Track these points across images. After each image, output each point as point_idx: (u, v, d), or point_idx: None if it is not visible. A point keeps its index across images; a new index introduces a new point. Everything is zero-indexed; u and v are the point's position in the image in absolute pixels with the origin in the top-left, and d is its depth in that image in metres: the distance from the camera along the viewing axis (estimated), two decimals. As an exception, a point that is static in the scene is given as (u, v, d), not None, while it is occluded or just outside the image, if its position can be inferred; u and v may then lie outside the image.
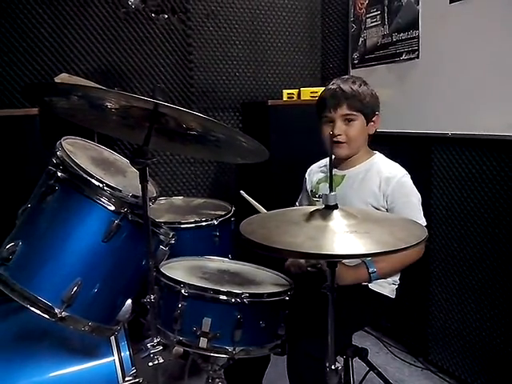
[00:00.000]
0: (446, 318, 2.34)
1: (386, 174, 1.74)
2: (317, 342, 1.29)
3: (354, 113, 1.75)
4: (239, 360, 1.47)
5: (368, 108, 1.76)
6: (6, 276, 1.31)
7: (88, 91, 1.24)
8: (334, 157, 1.82)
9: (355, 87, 1.75)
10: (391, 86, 2.56)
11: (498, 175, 2.01)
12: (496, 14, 1.95)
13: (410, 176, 1.75)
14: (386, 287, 1.76)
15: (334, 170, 1.83)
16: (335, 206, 1.16)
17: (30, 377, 1.36)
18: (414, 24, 2.37)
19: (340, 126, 1.75)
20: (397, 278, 1.80)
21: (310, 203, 1.93)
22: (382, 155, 1.85)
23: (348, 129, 1.75)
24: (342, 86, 1.76)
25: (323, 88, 1.88)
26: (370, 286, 1.71)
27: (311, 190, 1.93)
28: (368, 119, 1.77)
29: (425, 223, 1.66)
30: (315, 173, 1.97)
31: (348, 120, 1.75)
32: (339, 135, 1.75)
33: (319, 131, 1.83)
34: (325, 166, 1.93)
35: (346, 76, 1.86)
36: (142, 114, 1.23)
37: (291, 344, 1.54)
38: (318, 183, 1.92)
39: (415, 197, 1.72)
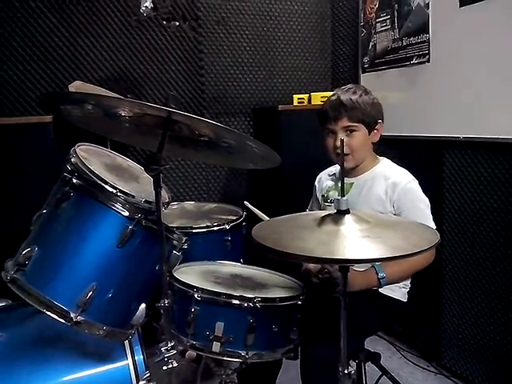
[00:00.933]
0: (459, 322, 2.32)
1: (391, 180, 1.73)
2: (329, 346, 1.29)
3: (355, 124, 1.74)
4: (251, 364, 1.48)
5: (369, 118, 1.76)
6: (23, 281, 1.33)
7: (102, 100, 1.26)
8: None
9: (355, 98, 1.74)
10: (402, 90, 2.56)
11: (511, 179, 2.00)
12: (506, 17, 1.95)
13: (417, 182, 1.74)
14: (397, 291, 1.75)
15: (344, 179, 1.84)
16: (347, 211, 1.16)
17: (45, 380, 1.37)
18: (424, 28, 2.37)
19: (340, 138, 1.70)
20: (408, 281, 1.79)
21: (321, 210, 1.93)
22: (388, 161, 1.85)
23: (350, 140, 1.74)
24: (341, 97, 1.75)
25: (333, 93, 1.87)
26: (381, 290, 1.71)
27: (322, 195, 1.94)
28: (370, 129, 1.77)
29: (434, 227, 1.65)
30: (325, 180, 1.98)
31: (350, 131, 1.75)
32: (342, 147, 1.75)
33: (324, 141, 1.84)
34: (334, 173, 1.95)
35: (348, 86, 1.84)
36: (155, 122, 1.24)
37: (304, 348, 1.55)
38: (328, 191, 1.92)
39: (422, 202, 1.71)
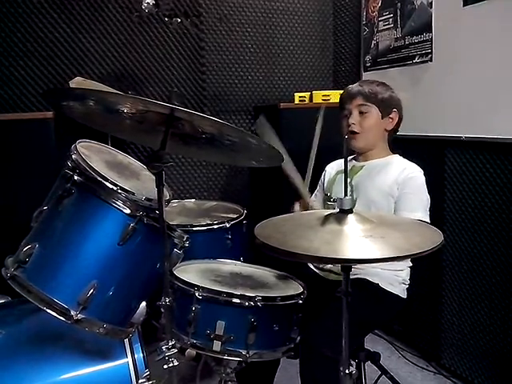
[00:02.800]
0: (459, 321, 2.32)
1: (403, 166, 1.80)
2: (329, 340, 1.29)
3: (368, 104, 1.81)
4: (250, 363, 1.47)
5: (383, 101, 1.83)
6: (23, 278, 1.32)
7: (105, 96, 1.25)
8: (351, 150, 1.90)
9: (372, 86, 1.84)
10: (404, 89, 2.54)
11: (513, 179, 2.00)
12: (509, 16, 1.94)
13: (425, 178, 1.78)
14: (397, 286, 1.76)
15: (354, 162, 1.92)
16: (350, 211, 1.16)
17: (44, 378, 1.37)
18: (427, 27, 2.36)
19: (355, 117, 1.83)
20: (407, 277, 1.80)
21: (324, 190, 2.00)
22: (401, 157, 1.89)
23: (362, 120, 1.82)
24: (361, 84, 1.87)
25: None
26: (381, 284, 1.73)
27: (325, 194, 1.94)
28: (384, 113, 1.83)
29: (424, 219, 1.68)
30: (335, 165, 2.03)
31: (363, 112, 1.82)
32: (353, 124, 1.82)
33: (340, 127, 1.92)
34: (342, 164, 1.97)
35: (371, 79, 1.94)
36: (157, 119, 1.23)
37: (304, 343, 1.54)
38: (337, 174, 1.97)
39: (424, 194, 1.75)
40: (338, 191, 1.89)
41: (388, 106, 1.83)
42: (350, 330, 1.17)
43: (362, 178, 1.83)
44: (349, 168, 1.88)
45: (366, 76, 2.85)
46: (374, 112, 1.82)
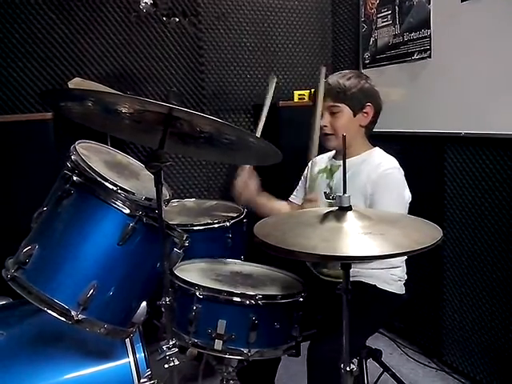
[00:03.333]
0: (460, 318, 2.32)
1: (378, 162, 1.75)
2: (334, 345, 1.28)
3: (338, 104, 1.79)
4: (251, 361, 1.47)
5: (353, 99, 1.78)
6: (23, 279, 1.32)
7: (103, 96, 1.25)
8: (324, 148, 1.89)
9: (342, 80, 1.79)
10: (403, 86, 2.55)
11: (513, 174, 1.99)
12: (508, 12, 1.94)
13: (403, 172, 1.75)
14: (393, 284, 1.76)
15: (333, 161, 1.90)
16: (349, 208, 1.16)
17: (46, 379, 1.37)
18: (425, 23, 2.35)
19: (326, 118, 1.81)
20: (403, 274, 1.80)
21: (305, 188, 1.99)
22: (381, 150, 1.85)
23: (333, 120, 1.80)
24: (329, 80, 1.82)
25: None
26: (378, 285, 1.72)
27: (324, 192, 1.93)
28: (355, 110, 1.79)
29: None
30: (318, 162, 1.98)
31: (333, 112, 1.80)
32: (325, 127, 1.81)
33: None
34: (328, 157, 1.97)
35: (345, 71, 1.88)
36: (156, 118, 1.23)
37: (310, 347, 1.55)
38: (318, 173, 1.95)
39: (396, 191, 1.70)
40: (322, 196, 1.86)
41: (360, 101, 1.79)
42: (352, 333, 1.17)
43: (339, 180, 1.77)
44: (328, 167, 1.91)
45: (364, 73, 2.83)
46: (345, 111, 1.79)
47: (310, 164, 2.00)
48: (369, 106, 1.80)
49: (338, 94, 1.78)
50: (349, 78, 1.79)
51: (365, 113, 1.80)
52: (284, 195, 2.33)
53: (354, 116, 1.80)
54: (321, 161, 1.98)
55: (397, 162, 1.76)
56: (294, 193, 2.08)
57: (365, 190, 1.71)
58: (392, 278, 1.75)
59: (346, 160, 1.77)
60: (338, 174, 1.81)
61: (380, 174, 1.71)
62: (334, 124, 1.80)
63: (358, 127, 1.82)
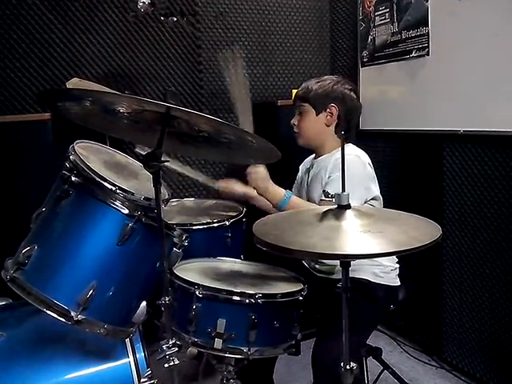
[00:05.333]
0: (460, 316, 2.32)
1: (337, 155, 1.77)
2: (336, 345, 1.28)
3: (303, 104, 1.90)
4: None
5: (316, 100, 1.87)
6: (23, 280, 1.32)
7: (101, 96, 1.25)
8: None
9: (313, 82, 1.90)
10: (401, 84, 2.55)
11: (511, 172, 1.99)
12: (506, 9, 1.94)
13: (367, 161, 1.79)
14: (385, 276, 1.77)
15: (313, 160, 1.99)
16: (348, 206, 1.16)
17: (46, 379, 1.37)
18: (423, 21, 2.35)
19: (295, 118, 1.94)
20: (393, 262, 1.81)
21: (298, 190, 2.06)
22: (353, 146, 1.87)
23: (299, 120, 1.93)
24: (303, 84, 1.95)
25: None
26: (371, 279, 1.74)
27: (323, 190, 1.94)
28: (317, 110, 1.88)
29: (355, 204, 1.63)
30: (304, 163, 2.11)
31: (300, 112, 1.92)
32: (294, 125, 1.94)
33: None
34: (312, 157, 2.04)
35: (325, 77, 1.98)
36: (154, 118, 1.23)
37: (314, 349, 1.55)
38: (305, 172, 2.04)
39: (356, 176, 1.67)
40: (307, 192, 1.95)
41: (322, 102, 1.87)
42: (352, 332, 1.17)
43: (313, 178, 1.90)
44: (307, 166, 2.02)
45: (363, 71, 2.85)
46: (308, 111, 1.89)
47: (300, 167, 2.13)
48: (333, 106, 1.87)
49: (304, 95, 1.90)
50: (318, 82, 1.90)
51: (329, 113, 1.88)
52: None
53: (317, 115, 1.88)
54: (307, 161, 2.08)
55: (364, 155, 1.81)
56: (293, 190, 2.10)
57: (323, 182, 1.79)
58: (382, 270, 1.77)
59: (318, 159, 1.91)
60: (312, 172, 1.93)
61: (336, 161, 1.76)
62: (299, 123, 1.93)
63: (323, 126, 1.89)
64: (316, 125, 1.90)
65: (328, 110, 1.87)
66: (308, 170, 1.99)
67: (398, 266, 1.82)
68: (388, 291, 1.76)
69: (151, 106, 1.20)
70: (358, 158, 1.78)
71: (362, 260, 1.72)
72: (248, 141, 1.36)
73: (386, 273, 1.77)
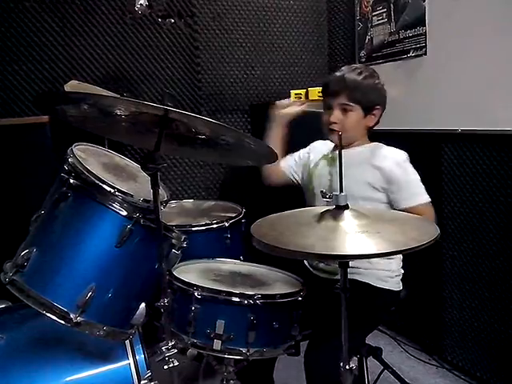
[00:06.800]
0: (460, 315, 2.32)
1: (386, 153, 1.74)
2: (332, 347, 1.28)
3: (352, 104, 1.73)
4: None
5: (368, 101, 1.75)
6: (22, 282, 1.32)
7: (99, 99, 1.25)
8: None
9: (359, 78, 1.73)
10: (399, 84, 2.55)
11: (510, 170, 1.99)
12: (503, 8, 1.94)
13: (409, 160, 1.75)
14: (389, 281, 1.75)
15: (335, 153, 1.83)
16: (346, 207, 1.16)
17: (46, 381, 1.37)
18: (420, 21, 2.36)
19: (337, 115, 1.75)
20: (399, 267, 1.79)
21: (299, 169, 1.98)
22: (381, 144, 1.83)
23: (344, 119, 1.75)
24: (346, 74, 1.75)
25: (341, 69, 1.87)
26: (373, 283, 1.71)
27: (321, 191, 1.92)
28: (366, 112, 1.76)
29: (429, 199, 1.68)
30: (320, 147, 1.97)
31: (345, 110, 1.74)
32: (334, 123, 1.75)
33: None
34: (329, 145, 1.93)
35: (357, 65, 1.86)
36: (151, 120, 1.23)
37: (307, 349, 1.55)
38: (320, 159, 1.91)
39: (416, 174, 1.71)
40: (321, 182, 1.84)
41: (372, 104, 1.76)
42: (349, 332, 1.17)
43: (344, 167, 1.79)
44: (329, 155, 1.87)
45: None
46: (357, 111, 1.74)
47: (314, 145, 1.99)
48: (378, 108, 1.78)
49: (355, 94, 1.73)
50: (365, 77, 1.74)
51: (373, 115, 1.78)
52: (283, 194, 2.33)
53: (364, 117, 1.77)
54: (322, 147, 1.95)
55: (403, 152, 1.76)
56: (290, 160, 2.03)
57: (373, 182, 1.70)
58: (388, 275, 1.75)
59: (349, 149, 1.75)
60: (336, 164, 1.76)
61: (392, 163, 1.70)
62: (343, 122, 1.74)
63: (364, 128, 1.80)
64: (360, 126, 1.78)
65: (373, 112, 1.77)
66: (329, 158, 1.86)
67: (402, 271, 1.81)
68: (390, 296, 1.75)
69: (149, 109, 1.20)
70: (407, 159, 1.74)
71: (371, 264, 1.71)
72: (246, 143, 1.36)
73: (391, 277, 1.76)
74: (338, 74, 1.79)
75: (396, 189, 1.69)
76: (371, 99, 1.75)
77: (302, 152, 2.03)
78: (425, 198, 1.68)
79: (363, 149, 1.80)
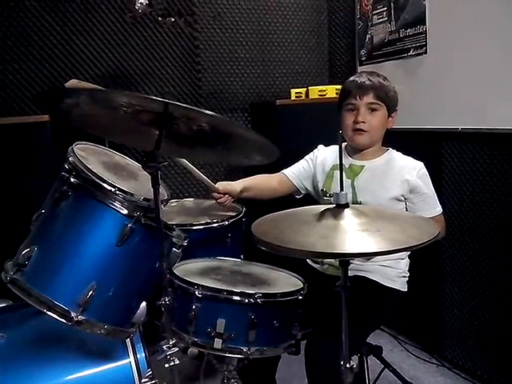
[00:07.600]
0: (461, 313, 2.33)
1: (408, 164, 1.77)
2: (334, 345, 1.28)
3: (379, 102, 1.75)
4: (252, 359, 1.47)
5: (391, 101, 1.78)
6: (23, 281, 1.32)
7: (98, 93, 1.25)
8: (347, 146, 1.85)
9: (381, 79, 1.78)
10: (399, 82, 2.52)
11: (510, 169, 1.99)
12: (504, 7, 1.94)
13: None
14: (397, 281, 1.76)
15: (351, 160, 1.84)
16: (346, 205, 1.16)
17: (47, 380, 1.38)
18: (421, 19, 2.36)
19: (364, 114, 1.75)
20: (406, 269, 1.80)
21: (304, 179, 1.97)
22: (395, 151, 1.86)
23: (371, 118, 1.75)
24: (369, 77, 1.77)
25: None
26: (381, 281, 1.72)
27: (322, 190, 1.91)
28: (389, 112, 1.79)
29: (441, 210, 1.78)
30: (329, 155, 1.93)
31: (372, 109, 1.75)
32: (363, 122, 1.74)
33: (339, 122, 1.83)
34: (336, 153, 1.90)
35: (370, 71, 1.88)
36: (152, 119, 1.23)
37: (308, 347, 1.55)
38: (332, 169, 1.88)
39: (431, 185, 1.78)
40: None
41: (394, 105, 1.80)
42: (352, 330, 1.17)
43: (368, 181, 1.77)
44: (346, 165, 1.82)
45: (361, 70, 2.84)
46: (382, 110, 1.76)
47: (321, 153, 1.96)
48: (396, 110, 1.81)
49: (381, 93, 1.75)
50: (384, 79, 1.78)
51: (392, 116, 1.81)
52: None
53: (388, 117, 1.79)
54: (330, 155, 1.92)
55: (418, 161, 1.80)
56: (293, 170, 2.01)
57: (398, 193, 1.74)
58: (396, 275, 1.76)
59: (371, 161, 1.79)
60: (364, 176, 1.79)
61: (420, 175, 1.75)
62: (371, 121, 1.75)
63: (385, 129, 1.82)
64: (384, 127, 1.80)
65: (393, 113, 1.80)
66: (348, 171, 1.82)
67: (408, 273, 1.82)
68: (396, 296, 1.76)
69: (148, 102, 1.19)
70: (423, 165, 1.78)
71: (381, 262, 1.73)
72: (247, 138, 1.35)
73: (399, 277, 1.77)
74: (359, 78, 1.79)
75: (416, 200, 1.74)
76: (393, 100, 1.79)
77: (308, 160, 2.00)
78: (438, 209, 1.76)
79: (382, 160, 1.82)
